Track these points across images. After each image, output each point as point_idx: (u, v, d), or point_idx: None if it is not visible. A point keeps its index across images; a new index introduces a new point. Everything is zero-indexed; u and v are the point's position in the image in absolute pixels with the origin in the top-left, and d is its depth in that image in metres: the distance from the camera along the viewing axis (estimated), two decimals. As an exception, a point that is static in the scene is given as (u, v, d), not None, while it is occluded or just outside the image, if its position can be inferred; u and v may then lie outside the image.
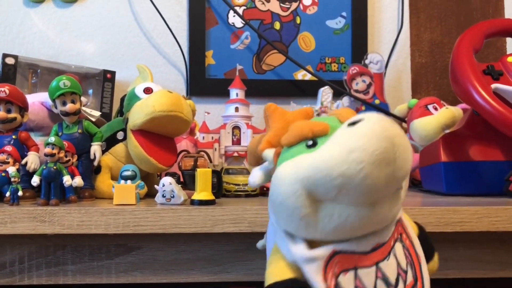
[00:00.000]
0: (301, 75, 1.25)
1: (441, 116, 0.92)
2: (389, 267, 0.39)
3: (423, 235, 0.46)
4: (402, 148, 0.35)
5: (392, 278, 0.39)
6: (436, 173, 0.80)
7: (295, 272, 0.41)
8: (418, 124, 0.94)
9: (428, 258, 0.45)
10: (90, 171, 0.77)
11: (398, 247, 0.40)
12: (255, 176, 0.46)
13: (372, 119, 0.36)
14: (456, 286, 0.74)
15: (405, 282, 0.39)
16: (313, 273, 0.39)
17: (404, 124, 1.06)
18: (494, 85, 0.74)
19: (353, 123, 0.36)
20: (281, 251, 0.42)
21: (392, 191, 0.37)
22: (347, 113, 0.42)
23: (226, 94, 1.04)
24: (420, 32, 1.29)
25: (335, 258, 0.39)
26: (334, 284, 0.38)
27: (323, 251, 0.39)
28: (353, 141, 0.35)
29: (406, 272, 0.40)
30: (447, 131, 0.89)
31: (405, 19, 1.29)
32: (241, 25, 1.24)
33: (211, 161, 0.97)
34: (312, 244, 0.40)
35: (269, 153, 0.44)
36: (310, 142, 0.39)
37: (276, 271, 0.42)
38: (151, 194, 0.75)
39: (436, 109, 0.96)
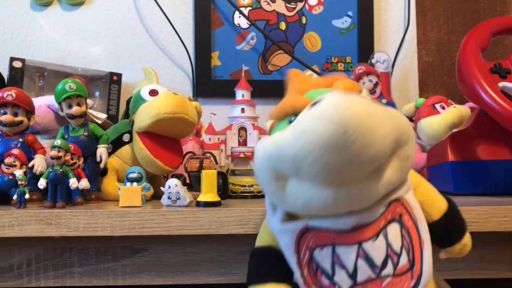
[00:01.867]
0: (308, 75, 1.25)
1: (448, 115, 0.92)
2: (375, 248, 0.38)
3: (449, 215, 0.44)
4: (361, 131, 0.32)
5: (377, 260, 0.38)
6: (444, 173, 0.79)
7: (275, 240, 0.43)
8: (426, 123, 0.94)
9: (455, 240, 0.44)
10: (96, 173, 0.77)
11: (394, 228, 0.38)
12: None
13: (329, 100, 0.33)
14: (464, 287, 0.73)
15: (395, 265, 0.38)
16: (286, 245, 0.41)
17: (411, 123, 1.06)
18: (501, 84, 0.73)
19: (313, 104, 0.35)
20: (266, 217, 0.44)
21: (362, 174, 0.34)
22: (340, 86, 0.40)
23: (232, 95, 1.04)
24: (427, 30, 1.28)
25: (309, 233, 0.39)
26: (308, 258, 0.39)
27: (294, 226, 0.40)
28: (304, 123, 0.34)
29: (398, 255, 0.38)
30: (455, 130, 0.89)
31: (411, 18, 1.28)
32: (246, 25, 1.24)
33: (217, 163, 0.97)
34: (293, 216, 0.41)
35: (267, 124, 0.46)
36: (293, 118, 0.39)
37: (261, 236, 0.46)
38: (157, 196, 0.75)
39: (443, 108, 0.95)
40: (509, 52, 1.27)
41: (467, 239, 0.46)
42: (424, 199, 0.43)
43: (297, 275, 0.41)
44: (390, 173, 0.36)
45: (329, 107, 0.33)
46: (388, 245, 0.38)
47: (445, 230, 0.44)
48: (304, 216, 0.39)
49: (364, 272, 0.38)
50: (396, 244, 0.38)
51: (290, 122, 0.39)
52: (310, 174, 0.34)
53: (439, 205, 0.44)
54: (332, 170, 0.33)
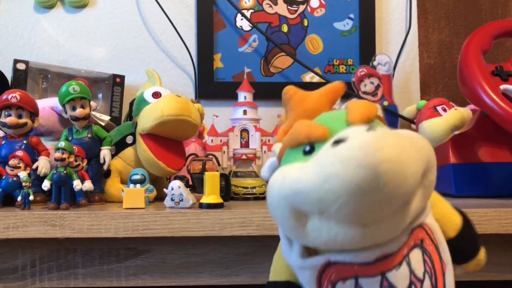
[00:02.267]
0: (309, 77, 1.25)
1: (450, 117, 0.92)
2: (399, 277, 0.36)
3: (464, 232, 0.42)
4: (391, 175, 0.30)
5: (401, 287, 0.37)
6: (445, 175, 0.80)
7: (293, 274, 0.41)
8: (427, 125, 0.94)
9: (470, 257, 0.43)
10: (100, 175, 0.77)
11: (416, 254, 0.37)
12: (264, 170, 0.45)
13: (355, 140, 0.31)
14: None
15: None
16: (307, 281, 0.39)
17: (413, 126, 1.06)
18: (503, 86, 0.74)
19: (337, 142, 0.33)
20: (282, 251, 0.41)
21: (388, 212, 0.33)
22: (356, 111, 0.37)
23: (234, 97, 1.05)
24: (429, 33, 1.29)
25: (331, 268, 0.37)
26: None
27: (316, 261, 0.38)
28: (330, 166, 0.31)
29: (421, 281, 0.37)
30: (457, 132, 0.89)
31: (413, 20, 1.28)
32: (249, 28, 1.25)
33: (219, 164, 0.97)
34: (311, 250, 0.39)
35: (276, 149, 0.43)
36: (307, 148, 0.37)
37: (277, 269, 0.43)
38: (160, 197, 0.76)
39: (445, 110, 0.96)
40: (510, 54, 1.27)
41: (482, 254, 0.44)
42: (440, 217, 0.41)
43: None
44: (416, 203, 0.35)
45: (357, 149, 0.31)
46: (411, 272, 0.37)
47: (461, 247, 0.42)
48: (325, 250, 0.38)
49: None
50: (419, 270, 0.37)
51: (305, 152, 0.37)
52: (336, 216, 0.33)
53: (454, 222, 0.42)
54: (361, 214, 0.32)
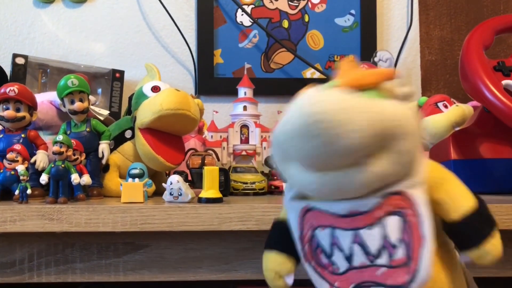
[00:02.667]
0: (310, 73, 1.25)
1: (451, 114, 0.91)
2: (371, 237, 0.39)
3: (473, 218, 0.42)
4: (328, 124, 0.35)
5: (372, 248, 0.39)
6: (446, 171, 0.79)
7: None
8: (428, 122, 0.93)
9: (473, 244, 0.41)
10: (98, 169, 0.77)
11: (394, 220, 0.39)
12: None
13: (307, 94, 0.38)
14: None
15: (390, 255, 0.39)
16: (291, 220, 0.44)
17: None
18: (505, 82, 0.73)
19: None
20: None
21: (341, 163, 0.37)
22: (344, 77, 0.41)
23: (235, 93, 1.04)
24: (430, 29, 1.28)
25: (311, 213, 0.42)
26: (310, 235, 0.43)
27: (298, 204, 0.43)
28: (288, 112, 0.38)
29: (395, 247, 0.39)
30: (457, 128, 0.88)
31: (414, 16, 1.28)
32: (249, 23, 1.24)
33: (219, 160, 0.97)
34: (304, 196, 0.43)
35: None
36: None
37: (282, 210, 0.48)
38: (159, 192, 0.76)
39: (446, 106, 0.95)
40: (512, 51, 1.26)
41: (490, 247, 0.41)
42: (446, 198, 0.42)
43: (299, 249, 0.44)
44: (381, 166, 0.37)
45: (304, 100, 0.37)
46: (385, 236, 0.39)
47: (464, 233, 0.42)
48: (310, 197, 0.42)
49: (359, 258, 0.40)
50: (394, 237, 0.39)
51: None
52: (295, 159, 0.38)
53: (462, 205, 0.42)
54: (309, 157, 0.37)
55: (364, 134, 0.35)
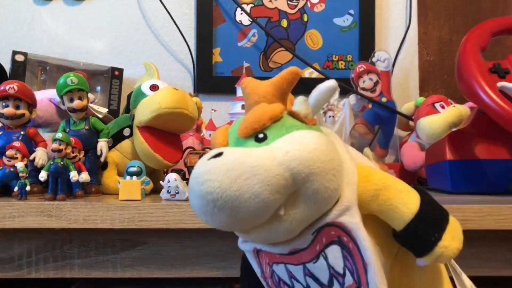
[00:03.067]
0: (308, 72, 1.25)
1: (448, 115, 0.92)
2: (318, 269, 0.39)
3: (413, 225, 0.40)
4: (220, 203, 0.35)
5: (323, 279, 0.39)
6: (442, 171, 0.80)
7: None
8: (425, 122, 0.94)
9: (423, 251, 0.40)
10: (97, 167, 0.78)
11: (334, 250, 0.39)
12: None
13: (197, 167, 0.37)
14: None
15: (340, 284, 0.39)
16: (250, 260, 0.45)
17: (411, 122, 1.06)
18: (500, 83, 0.74)
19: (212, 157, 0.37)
20: None
21: (255, 224, 0.37)
22: (241, 126, 0.41)
23: (233, 91, 1.05)
24: (428, 30, 1.29)
25: (261, 253, 0.42)
26: (270, 271, 0.43)
27: (248, 246, 0.44)
28: (189, 190, 0.38)
29: (342, 276, 0.39)
30: (454, 129, 0.89)
31: (413, 17, 1.28)
32: (248, 22, 1.25)
33: (217, 158, 0.97)
34: None
35: None
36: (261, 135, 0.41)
37: None
38: (156, 190, 0.76)
39: (443, 107, 0.96)
40: (510, 52, 1.27)
41: (440, 251, 0.40)
42: (385, 208, 0.41)
43: (264, 285, 0.45)
44: (299, 211, 0.37)
45: (192, 181, 0.37)
46: (330, 266, 0.39)
47: (410, 242, 0.41)
48: None
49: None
50: (338, 266, 0.39)
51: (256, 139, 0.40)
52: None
53: (401, 213, 0.40)
54: (223, 227, 0.38)
55: (262, 197, 0.35)
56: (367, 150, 0.61)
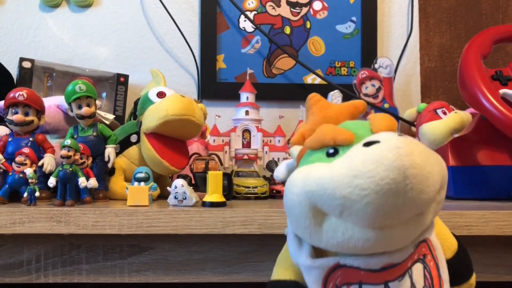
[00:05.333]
0: (311, 79, 1.26)
1: (450, 121, 0.93)
2: (399, 287, 0.38)
3: (460, 255, 0.43)
4: (417, 179, 0.33)
5: None
6: (444, 177, 0.81)
7: (299, 274, 0.41)
8: (427, 128, 0.94)
9: (463, 279, 0.44)
10: (105, 173, 0.78)
11: (418, 268, 0.38)
12: (279, 171, 0.46)
13: (388, 143, 0.33)
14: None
15: None
16: (313, 281, 0.40)
17: (413, 128, 1.07)
18: (502, 91, 0.75)
19: (368, 143, 0.34)
20: (289, 250, 0.42)
21: (406, 217, 0.35)
22: (380, 123, 0.39)
23: (237, 97, 1.06)
24: (430, 36, 1.30)
25: (338, 271, 0.38)
26: None
27: (325, 262, 0.39)
28: (362, 165, 0.33)
29: None
30: (456, 135, 0.90)
31: (414, 24, 1.29)
32: (252, 29, 1.26)
33: (221, 164, 0.99)
34: (319, 250, 0.40)
35: (294, 151, 0.44)
36: (331, 150, 0.38)
37: (281, 269, 0.44)
38: (163, 195, 0.77)
39: (445, 113, 0.96)
40: (511, 59, 1.28)
41: (473, 279, 0.44)
42: (439, 237, 0.42)
43: None
44: (429, 215, 0.37)
45: (389, 152, 0.33)
46: (412, 284, 0.38)
47: (455, 270, 0.43)
48: (333, 253, 0.39)
49: None
50: (419, 284, 0.38)
51: (329, 154, 0.38)
52: (358, 215, 0.34)
53: (451, 244, 0.43)
54: (384, 214, 0.34)
55: (438, 186, 0.35)
56: None
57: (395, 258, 0.37)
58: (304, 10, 1.27)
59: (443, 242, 0.42)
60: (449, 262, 0.42)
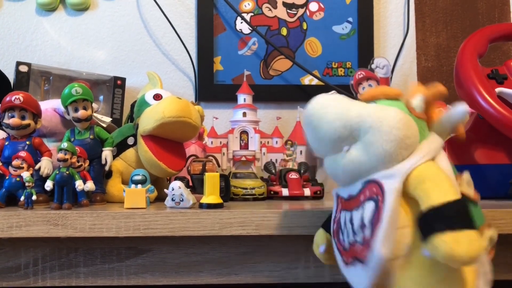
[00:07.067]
0: (308, 80, 1.26)
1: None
2: (356, 216, 0.47)
3: (430, 213, 0.42)
4: (315, 116, 0.48)
5: (356, 226, 0.47)
6: (442, 177, 0.81)
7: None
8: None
9: (424, 235, 0.41)
10: (102, 175, 0.78)
11: (369, 205, 0.45)
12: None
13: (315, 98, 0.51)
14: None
15: (364, 234, 0.45)
16: (334, 204, 0.54)
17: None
18: (498, 89, 0.75)
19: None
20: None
21: (329, 147, 0.49)
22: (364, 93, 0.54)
23: (234, 99, 1.06)
24: (426, 36, 1.30)
25: (339, 199, 0.53)
26: (338, 216, 0.52)
27: (334, 192, 0.54)
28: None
29: (365, 227, 0.45)
30: (453, 134, 0.90)
31: (411, 24, 1.30)
32: (248, 31, 1.26)
33: (219, 166, 0.99)
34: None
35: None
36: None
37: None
38: (161, 198, 0.77)
39: (441, 113, 0.97)
40: (507, 58, 1.28)
41: (438, 243, 0.40)
42: (421, 194, 0.43)
43: (331, 228, 0.54)
44: (354, 153, 0.47)
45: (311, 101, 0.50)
46: (362, 217, 0.46)
47: (422, 224, 0.42)
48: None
49: (350, 235, 0.48)
50: (367, 218, 0.45)
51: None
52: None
53: (428, 199, 0.42)
54: (310, 140, 0.51)
55: (332, 126, 0.48)
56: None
57: (351, 190, 0.49)
58: (301, 11, 1.27)
59: (422, 197, 0.43)
60: (420, 216, 0.43)
